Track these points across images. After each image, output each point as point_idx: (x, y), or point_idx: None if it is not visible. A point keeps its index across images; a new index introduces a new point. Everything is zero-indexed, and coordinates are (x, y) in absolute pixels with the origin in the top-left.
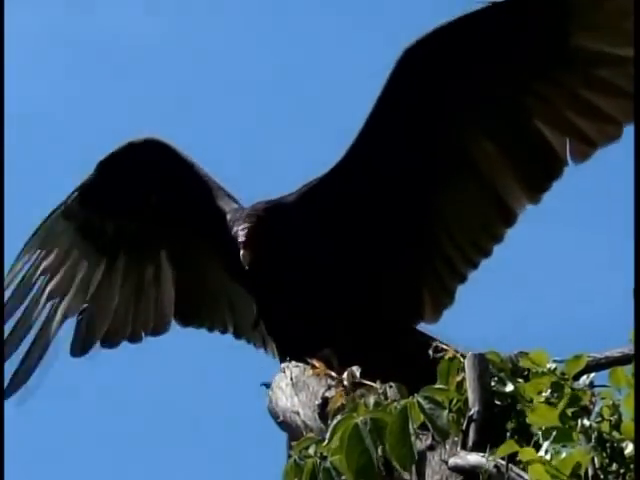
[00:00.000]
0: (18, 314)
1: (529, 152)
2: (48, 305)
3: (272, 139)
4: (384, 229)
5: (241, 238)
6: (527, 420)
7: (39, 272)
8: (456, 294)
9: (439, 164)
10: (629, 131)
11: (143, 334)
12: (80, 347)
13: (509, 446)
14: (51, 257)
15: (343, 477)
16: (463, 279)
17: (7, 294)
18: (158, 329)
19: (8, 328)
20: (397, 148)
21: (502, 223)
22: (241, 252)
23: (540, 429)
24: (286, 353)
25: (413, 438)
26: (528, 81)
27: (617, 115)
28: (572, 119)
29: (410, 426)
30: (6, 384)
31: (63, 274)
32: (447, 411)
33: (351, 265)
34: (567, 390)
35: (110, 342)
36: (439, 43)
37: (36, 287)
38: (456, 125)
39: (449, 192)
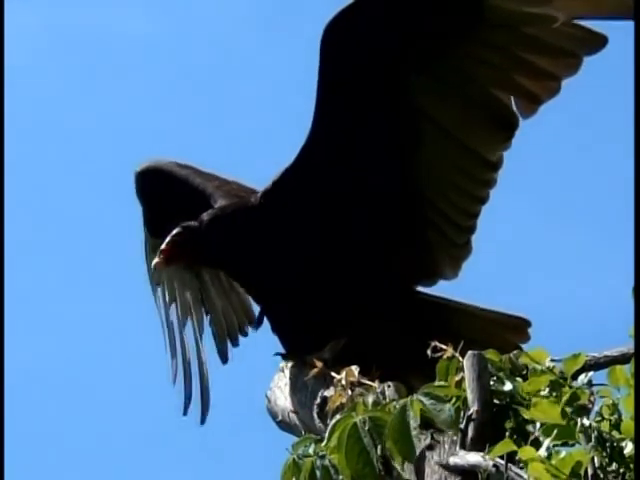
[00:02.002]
0: (179, 348)
1: (484, 110)
2: (189, 328)
3: (274, 137)
4: (368, 205)
5: (163, 245)
6: (528, 416)
7: (169, 304)
8: (471, 245)
9: (402, 132)
10: (627, 132)
11: (245, 328)
12: (223, 354)
13: (505, 445)
14: (167, 288)
15: (341, 476)
16: (470, 229)
17: (166, 336)
18: (251, 320)
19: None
20: (353, 125)
21: (486, 170)
22: (155, 259)
23: (540, 425)
24: (291, 350)
25: (415, 432)
26: (456, 43)
27: (554, 70)
28: (513, 77)
29: (411, 422)
30: (200, 410)
31: (181, 298)
32: (449, 404)
33: (345, 248)
34: (566, 389)
35: (234, 341)
36: (358, 17)
37: (174, 318)
38: (403, 91)
39: (422, 155)
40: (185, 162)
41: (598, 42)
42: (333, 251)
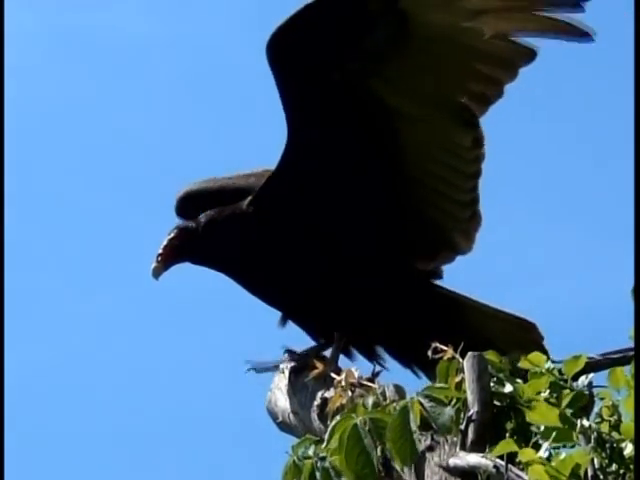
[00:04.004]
0: None
1: (442, 105)
2: None
3: (275, 137)
4: (360, 198)
5: (159, 249)
6: (527, 419)
7: None
8: (479, 211)
9: (376, 124)
10: (626, 131)
11: None
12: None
13: (506, 445)
14: None
15: (343, 478)
16: (472, 203)
17: None
18: None
19: None
20: (324, 125)
21: (467, 150)
22: (153, 264)
23: (539, 428)
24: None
25: (416, 435)
26: (396, 52)
27: (495, 75)
28: (458, 80)
29: (412, 423)
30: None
31: None
32: (449, 408)
33: (344, 244)
34: (566, 391)
35: None
36: (294, 34)
37: None
38: (361, 91)
39: (403, 141)
40: (216, 176)
41: (528, 55)
42: (333, 248)
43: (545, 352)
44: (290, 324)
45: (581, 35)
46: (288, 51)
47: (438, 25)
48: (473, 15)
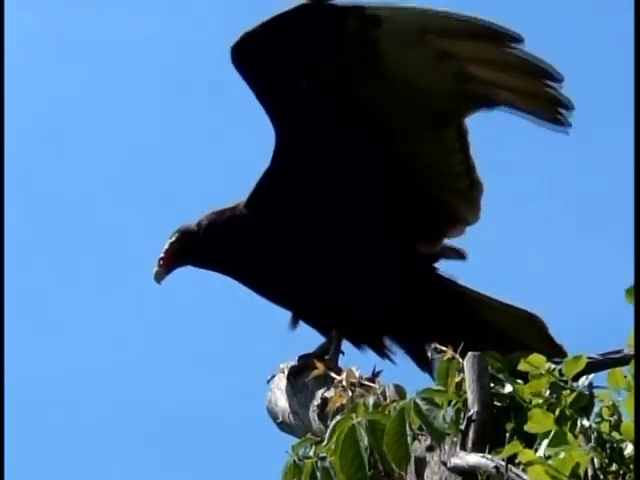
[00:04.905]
0: None
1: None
2: None
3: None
4: (355, 191)
5: (161, 254)
6: (525, 427)
7: None
8: (479, 177)
9: (361, 117)
10: (626, 133)
11: None
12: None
13: (513, 447)
14: None
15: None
16: (467, 172)
17: None
18: None
19: None
20: (306, 124)
21: (450, 132)
22: (155, 268)
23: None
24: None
25: (410, 439)
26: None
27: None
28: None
29: (407, 427)
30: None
31: None
32: (444, 412)
33: (341, 237)
34: (566, 391)
35: None
36: (262, 38)
37: None
38: (344, 98)
39: (390, 126)
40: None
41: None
42: (329, 244)
43: (554, 343)
44: (301, 326)
45: (560, 124)
46: (250, 56)
47: (413, 73)
48: (457, 79)
